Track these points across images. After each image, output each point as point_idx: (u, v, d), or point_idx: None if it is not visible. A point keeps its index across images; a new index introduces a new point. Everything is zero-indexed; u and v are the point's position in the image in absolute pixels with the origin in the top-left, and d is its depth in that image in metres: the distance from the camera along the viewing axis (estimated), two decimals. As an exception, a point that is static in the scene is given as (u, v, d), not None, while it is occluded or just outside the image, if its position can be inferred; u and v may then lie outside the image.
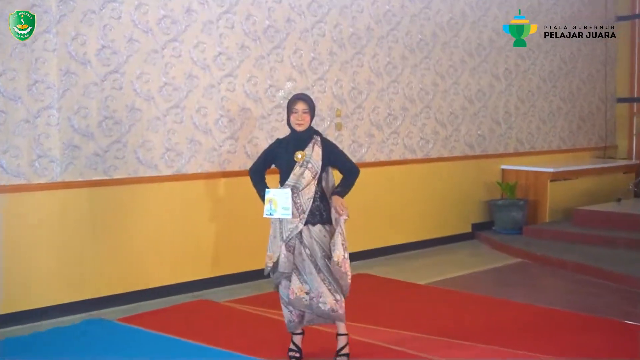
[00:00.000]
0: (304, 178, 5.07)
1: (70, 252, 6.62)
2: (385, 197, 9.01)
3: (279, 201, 5.04)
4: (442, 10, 9.59)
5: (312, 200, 5.08)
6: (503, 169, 10.53)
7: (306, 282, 5.09)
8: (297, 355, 5.29)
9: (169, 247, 7.20)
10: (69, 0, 6.49)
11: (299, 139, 5.18)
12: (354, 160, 5.64)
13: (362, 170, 5.44)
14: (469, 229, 10.13)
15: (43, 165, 6.45)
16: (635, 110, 12.23)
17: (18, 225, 6.35)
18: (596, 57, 12.03)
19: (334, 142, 5.51)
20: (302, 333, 5.32)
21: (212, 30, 7.39)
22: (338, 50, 8.47)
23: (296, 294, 5.09)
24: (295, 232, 5.06)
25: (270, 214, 5.08)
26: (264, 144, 7.58)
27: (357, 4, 8.62)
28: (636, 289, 7.35)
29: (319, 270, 5.07)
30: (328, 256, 5.07)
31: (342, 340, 5.22)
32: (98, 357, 5.51)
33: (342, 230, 5.10)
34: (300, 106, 5.15)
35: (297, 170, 5.10)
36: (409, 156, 9.33)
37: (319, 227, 5.11)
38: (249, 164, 7.42)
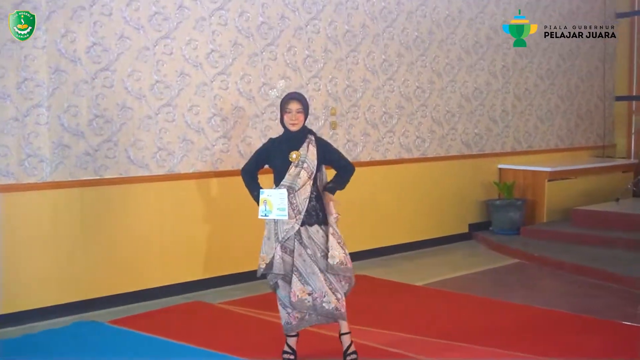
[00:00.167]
0: (299, 178, 5.01)
1: (61, 253, 6.54)
2: (381, 197, 8.93)
3: (274, 202, 4.98)
4: (438, 7, 9.51)
5: (308, 200, 5.03)
6: (500, 168, 10.47)
7: (308, 283, 5.03)
8: (292, 357, 5.23)
9: (161, 248, 7.12)
10: (59, -3, 6.42)
11: (293, 139, 5.13)
12: (349, 159, 5.56)
13: (358, 170, 5.39)
14: (466, 229, 10.06)
15: (32, 165, 6.37)
16: (634, 108, 12.18)
17: (7, 226, 6.27)
18: (595, 55, 11.97)
19: (328, 140, 5.45)
20: (297, 335, 5.27)
21: (205, 27, 7.30)
22: (333, 48, 8.38)
23: (298, 296, 5.03)
24: (292, 232, 5.01)
25: (265, 215, 5.03)
26: (257, 143, 7.50)
27: (352, 0, 8.55)
28: (635, 289, 7.29)
29: (320, 270, 5.03)
30: (327, 256, 5.03)
31: (346, 340, 5.19)
32: (89, 359, 5.45)
33: (334, 230, 5.07)
34: (294, 106, 5.09)
35: (292, 170, 5.04)
36: (405, 155, 9.25)
37: (316, 227, 5.07)
38: (242, 164, 7.34)
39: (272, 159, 5.21)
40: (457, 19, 9.76)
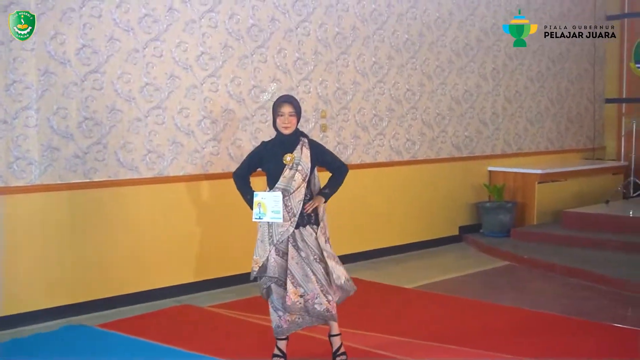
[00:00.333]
0: (294, 181, 5.02)
1: (50, 257, 6.50)
2: (371, 199, 8.92)
3: (268, 205, 4.97)
4: (429, 9, 9.51)
5: (302, 202, 5.04)
6: (490, 171, 10.48)
7: (300, 285, 5.02)
8: (282, 360, 5.23)
9: (151, 251, 7.09)
10: (48, -1, 6.39)
11: (286, 142, 5.12)
12: (340, 161, 5.57)
13: (348, 173, 5.36)
14: (456, 232, 10.06)
15: (21, 168, 6.33)
16: (623, 111, 12.22)
17: (-5, 229, 6.23)
18: (584, 57, 12.00)
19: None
20: (287, 338, 5.24)
21: (195, 29, 7.28)
22: (323, 50, 8.37)
23: (292, 299, 5.02)
24: (287, 235, 5.01)
25: (259, 218, 5.02)
26: (247, 145, 7.50)
27: (342, 2, 8.53)
28: (625, 291, 7.31)
29: (313, 272, 5.03)
30: (319, 258, 5.05)
31: (337, 341, 5.21)
32: (77, 364, 5.44)
33: (325, 233, 5.13)
34: (287, 109, 5.08)
35: (287, 173, 5.04)
36: (395, 158, 9.25)
37: (308, 228, 5.08)
38: (232, 166, 7.38)
39: (265, 162, 5.19)
40: (447, 22, 9.77)
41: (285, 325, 5.12)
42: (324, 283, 5.05)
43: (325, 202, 5.16)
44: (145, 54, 6.96)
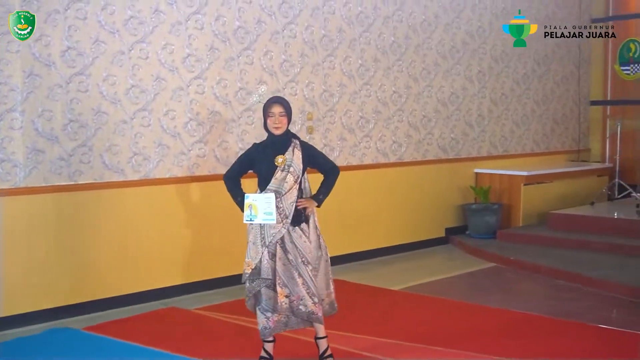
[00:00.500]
0: (286, 182, 5.02)
1: (35, 259, 6.46)
2: (358, 201, 8.92)
3: (260, 206, 4.96)
4: (415, 12, 9.53)
5: (294, 204, 5.04)
6: (476, 173, 10.50)
7: (286, 286, 5.02)
8: (269, 363, 5.22)
9: (137, 253, 7.06)
10: (33, 0, 6.33)
11: (277, 143, 5.12)
12: (330, 162, 5.57)
13: (339, 174, 5.36)
14: (442, 234, 10.08)
15: (6, 170, 6.29)
16: (608, 113, 12.29)
17: (-21, 232, 6.19)
18: (570, 60, 12.06)
19: (309, 144, 5.46)
20: (274, 340, 5.24)
21: (181, 31, 7.26)
22: (309, 52, 8.37)
23: (279, 299, 5.02)
24: (279, 237, 5.01)
25: (251, 220, 5.01)
26: (234, 147, 7.48)
27: (328, 5, 8.53)
28: (611, 292, 7.32)
29: (299, 275, 5.02)
30: (307, 261, 5.04)
31: (323, 344, 5.21)
32: (63, 367, 5.41)
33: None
34: (277, 109, 5.08)
35: (279, 174, 5.04)
36: (382, 160, 9.25)
37: (298, 230, 5.07)
38: (218, 168, 7.37)
39: (256, 163, 5.19)
40: (433, 24, 9.78)
41: (272, 325, 5.10)
42: (310, 285, 5.04)
43: (318, 206, 5.17)
44: (131, 56, 6.94)
